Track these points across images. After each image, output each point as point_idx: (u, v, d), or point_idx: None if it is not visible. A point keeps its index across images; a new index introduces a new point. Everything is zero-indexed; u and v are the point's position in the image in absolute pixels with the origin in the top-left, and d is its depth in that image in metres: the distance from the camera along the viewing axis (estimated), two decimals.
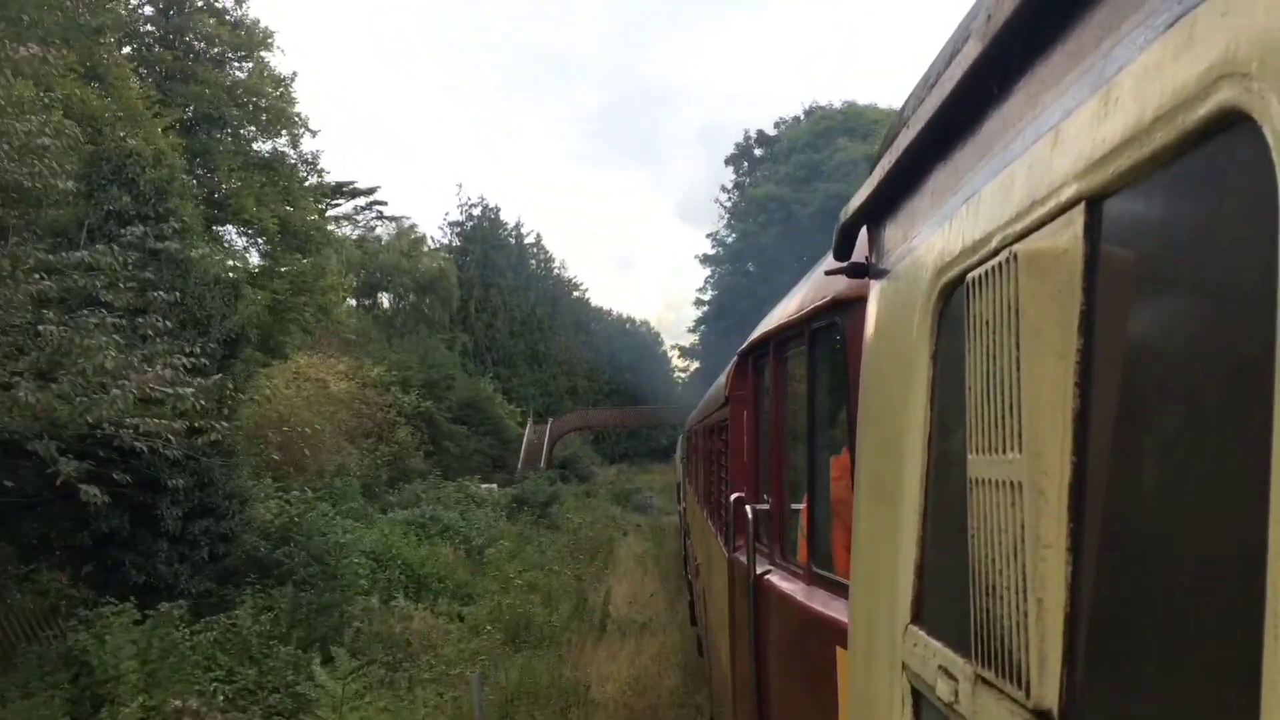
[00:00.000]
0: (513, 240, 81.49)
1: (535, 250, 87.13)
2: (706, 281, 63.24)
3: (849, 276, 2.10)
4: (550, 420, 55.76)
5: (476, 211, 79.20)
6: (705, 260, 62.70)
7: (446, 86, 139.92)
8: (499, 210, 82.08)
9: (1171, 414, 0.81)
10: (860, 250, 2.05)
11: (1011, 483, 1.01)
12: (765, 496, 4.23)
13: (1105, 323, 0.90)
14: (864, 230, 1.99)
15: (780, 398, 4.01)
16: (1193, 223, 0.78)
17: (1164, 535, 0.81)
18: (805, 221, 56.26)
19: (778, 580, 3.67)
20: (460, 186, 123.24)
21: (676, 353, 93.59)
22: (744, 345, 5.13)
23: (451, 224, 79.74)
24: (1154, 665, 0.83)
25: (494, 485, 33.76)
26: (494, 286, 73.74)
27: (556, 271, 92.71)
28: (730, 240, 67.56)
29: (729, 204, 68.74)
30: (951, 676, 1.20)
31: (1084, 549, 0.92)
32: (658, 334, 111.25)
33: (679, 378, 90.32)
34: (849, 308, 2.76)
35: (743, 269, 65.43)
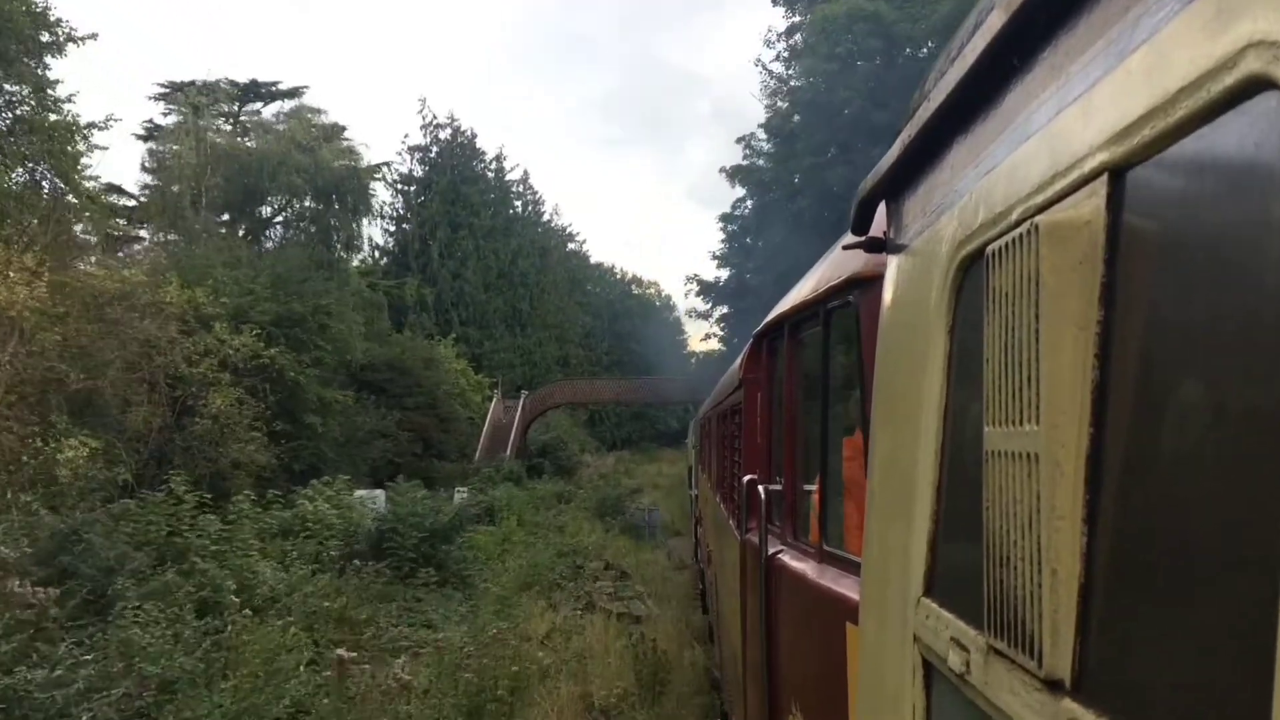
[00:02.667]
0: (491, 174, 64.15)
1: (521, 190, 68.57)
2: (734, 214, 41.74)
3: (867, 251, 2.10)
4: (524, 395, 43.39)
5: (445, 135, 60.75)
6: (735, 174, 39.38)
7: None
8: (474, 136, 62.52)
9: (1190, 387, 0.81)
10: (879, 226, 2.05)
11: (1028, 454, 1.01)
12: (778, 478, 4.25)
13: (1126, 295, 0.90)
14: (882, 205, 1.99)
15: (794, 379, 4.02)
16: (1217, 194, 0.77)
17: (1179, 508, 0.81)
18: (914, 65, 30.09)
19: (789, 560, 3.68)
20: (424, 102, 79.03)
21: (690, 320, 74.96)
22: (759, 328, 5.13)
23: (412, 149, 60.58)
24: (1167, 636, 0.83)
25: (381, 493, 21.27)
26: (464, 228, 57.87)
27: (548, 218, 73.41)
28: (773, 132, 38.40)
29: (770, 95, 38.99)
30: (963, 647, 1.20)
31: (1099, 520, 0.92)
32: (668, 298, 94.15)
33: (692, 355, 72.21)
34: (865, 286, 2.75)
35: (791, 168, 36.59)
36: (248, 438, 20.25)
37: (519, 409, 41.73)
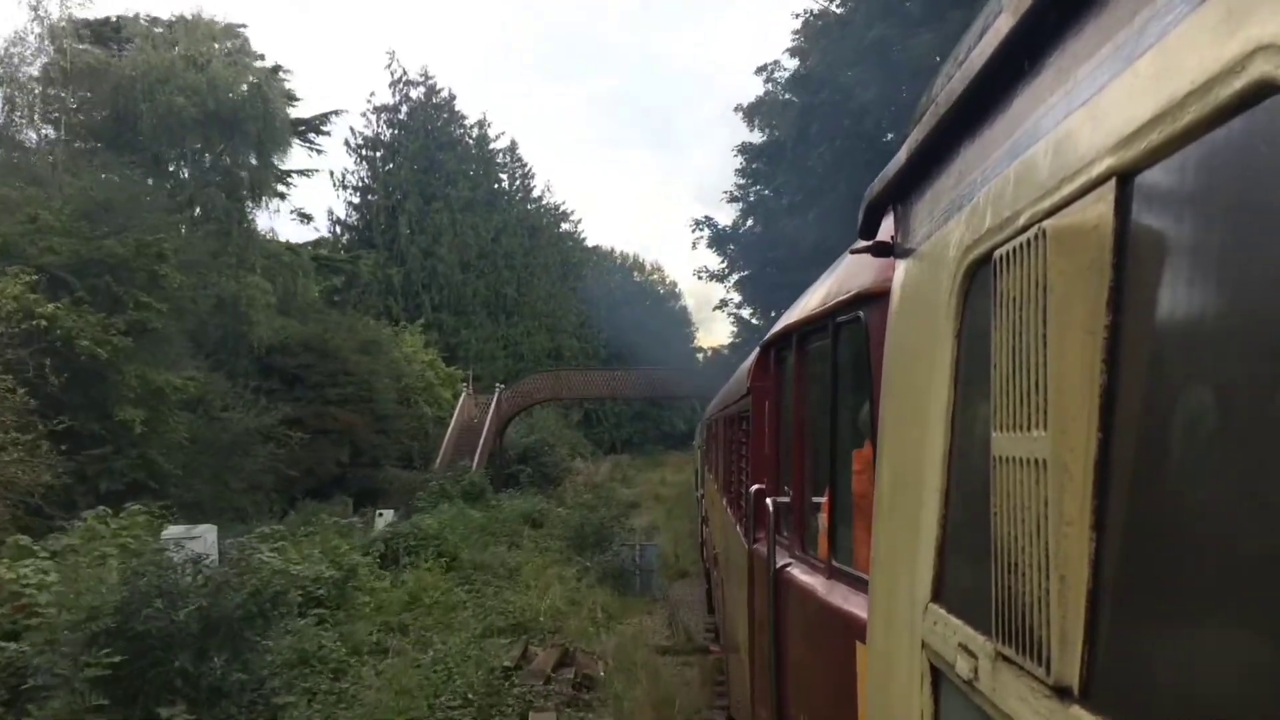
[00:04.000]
0: (472, 142, 56.17)
1: (508, 162, 60.13)
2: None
3: (874, 255, 2.11)
4: (500, 388, 35.63)
5: (418, 95, 53.12)
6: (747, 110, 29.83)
7: None
8: (453, 98, 54.34)
9: (1199, 392, 0.81)
10: (886, 231, 2.05)
11: (1036, 460, 1.01)
12: (786, 489, 4.24)
13: (1134, 299, 0.90)
14: (890, 210, 1.99)
15: (802, 390, 4.01)
16: (1225, 198, 0.77)
17: (1188, 513, 0.81)
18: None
19: (798, 574, 3.67)
20: (392, 55, 72.25)
21: (699, 310, 67.72)
22: (766, 337, 5.14)
23: (378, 109, 52.58)
24: (1175, 643, 0.83)
25: (209, 532, 12.45)
26: (439, 200, 50.56)
27: (539, 194, 63.67)
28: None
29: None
30: (971, 654, 1.20)
31: (1108, 526, 0.91)
32: (673, 285, 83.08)
33: (701, 351, 62.26)
34: (873, 302, 2.75)
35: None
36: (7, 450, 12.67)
37: (492, 406, 34.12)
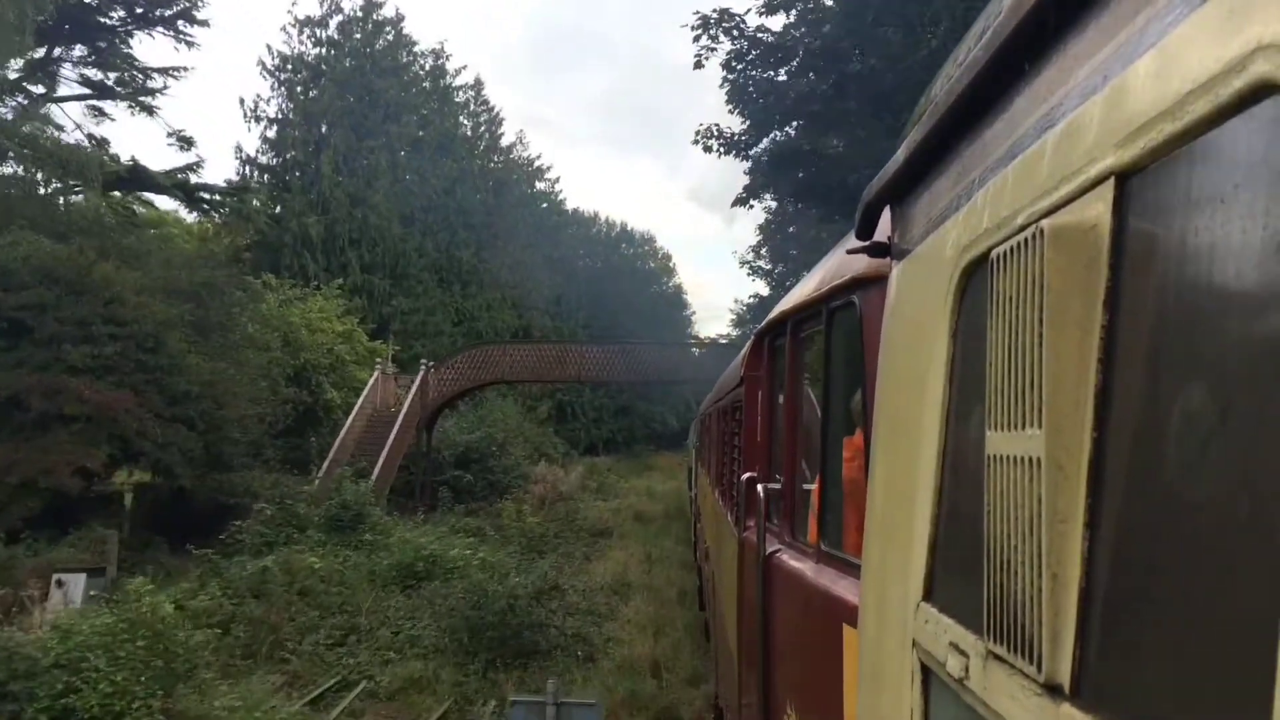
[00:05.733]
0: (423, 73, 45.94)
1: (470, 102, 49.62)
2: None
3: (871, 256, 2.11)
4: (426, 366, 26.81)
5: (352, 7, 42.46)
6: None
7: None
8: (401, 19, 43.89)
9: (1194, 392, 0.81)
10: (883, 231, 2.05)
11: (1030, 459, 1.01)
12: (777, 476, 4.25)
13: (1131, 299, 0.90)
14: (887, 209, 1.99)
15: (796, 378, 4.02)
16: (1224, 198, 0.77)
17: (1182, 512, 0.81)
18: None
19: (787, 559, 3.69)
20: None
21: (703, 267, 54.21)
22: (760, 326, 5.14)
23: (301, 22, 41.49)
24: (1167, 641, 0.83)
25: None
26: (375, 139, 40.78)
27: (509, 145, 52.80)
28: None
29: None
30: (962, 652, 1.20)
31: (1101, 524, 0.92)
32: (667, 257, 71.40)
33: (697, 342, 43.64)
34: (867, 287, 2.75)
35: None
36: None
37: (413, 390, 25.71)
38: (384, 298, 39.45)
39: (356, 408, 25.18)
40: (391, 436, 23.89)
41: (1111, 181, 0.90)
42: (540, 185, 57.33)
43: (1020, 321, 1.06)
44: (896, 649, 1.55)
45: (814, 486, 3.51)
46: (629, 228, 69.66)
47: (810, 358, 3.86)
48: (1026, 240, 1.05)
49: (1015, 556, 1.04)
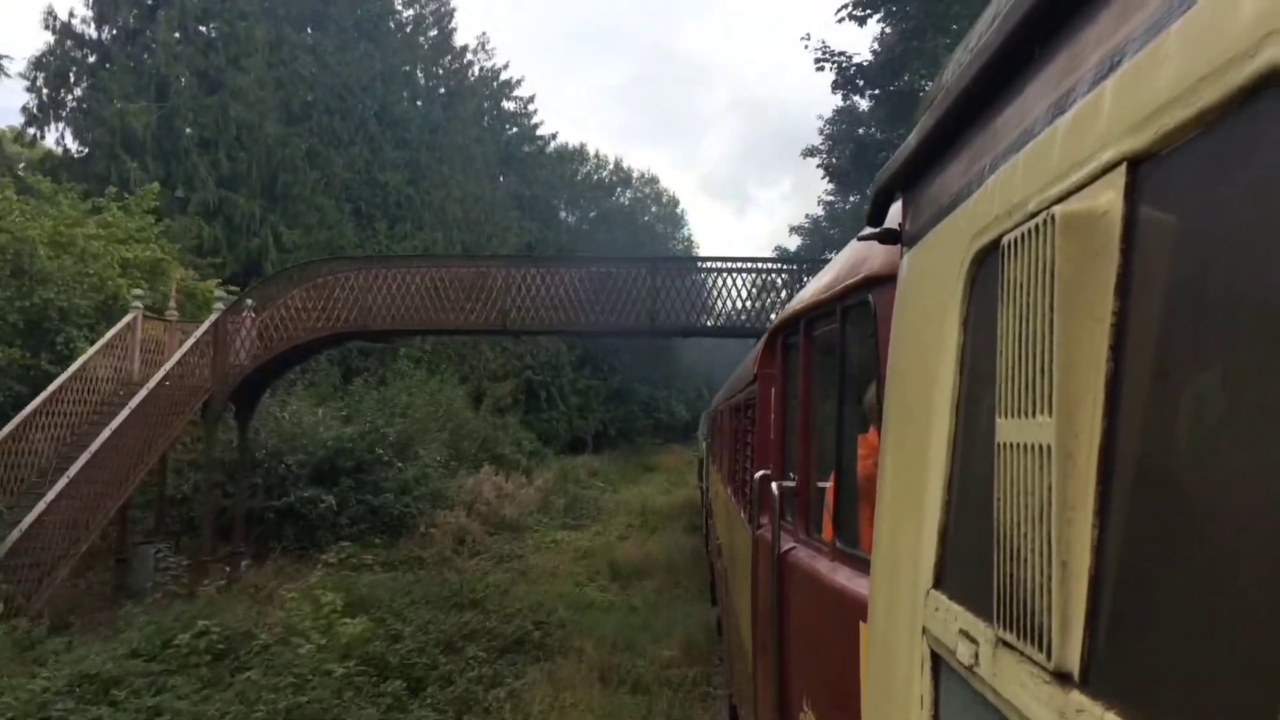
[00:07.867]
0: None
1: None
2: None
3: (882, 242, 2.11)
4: (246, 303, 16.12)
5: None
6: None
7: None
8: None
9: (1206, 380, 0.80)
10: (894, 218, 2.05)
11: (1040, 446, 1.01)
12: (791, 474, 4.25)
13: (1142, 286, 0.90)
14: (899, 196, 1.99)
15: (810, 375, 4.02)
16: (1236, 185, 0.77)
17: (1193, 501, 0.81)
18: None
19: (802, 557, 3.68)
20: None
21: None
22: (773, 324, 5.14)
23: None
24: (1177, 629, 0.83)
25: None
26: None
27: (467, 47, 39.74)
28: None
29: None
30: (972, 640, 1.20)
31: (1111, 513, 0.91)
32: (674, 201, 56.36)
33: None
34: (882, 285, 2.75)
35: None
36: None
37: (190, 340, 14.98)
38: (251, 224, 26.68)
39: (67, 374, 13.36)
40: (109, 429, 12.67)
41: (1123, 168, 0.90)
42: (509, 105, 43.50)
43: (1031, 308, 1.06)
44: (906, 636, 1.55)
45: (829, 484, 3.51)
46: (625, 165, 55.44)
47: (824, 355, 3.85)
48: (1037, 227, 1.05)
49: (1025, 544, 1.04)
